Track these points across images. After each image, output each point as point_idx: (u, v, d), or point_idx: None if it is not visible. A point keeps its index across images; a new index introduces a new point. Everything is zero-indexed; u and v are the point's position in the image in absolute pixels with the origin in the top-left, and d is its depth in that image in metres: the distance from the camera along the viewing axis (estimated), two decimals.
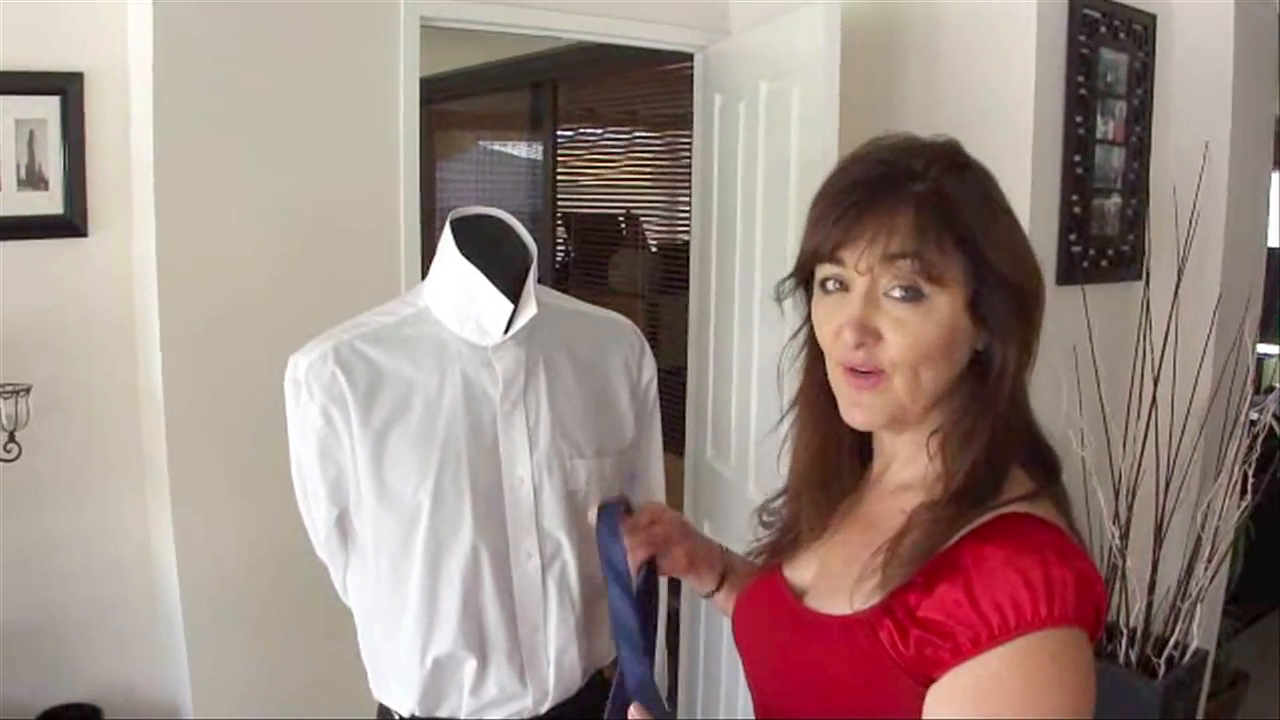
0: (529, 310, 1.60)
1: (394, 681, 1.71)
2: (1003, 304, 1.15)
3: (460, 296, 1.62)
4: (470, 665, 1.65)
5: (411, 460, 1.59)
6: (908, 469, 1.24)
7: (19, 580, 2.75)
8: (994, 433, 1.15)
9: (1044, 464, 1.20)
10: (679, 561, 1.54)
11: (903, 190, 1.15)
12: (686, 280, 3.63)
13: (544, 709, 1.70)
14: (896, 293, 1.14)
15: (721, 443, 3.27)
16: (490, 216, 1.72)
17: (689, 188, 3.60)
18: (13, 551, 2.73)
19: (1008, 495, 1.13)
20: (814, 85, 2.68)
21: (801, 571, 1.31)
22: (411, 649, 1.64)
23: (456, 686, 1.67)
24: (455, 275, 1.62)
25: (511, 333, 1.61)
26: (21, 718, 2.72)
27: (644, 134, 5.80)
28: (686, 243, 3.71)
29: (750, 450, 3.07)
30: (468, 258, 1.61)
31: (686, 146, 3.77)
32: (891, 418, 1.19)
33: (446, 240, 1.64)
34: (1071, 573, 1.04)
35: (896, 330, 1.14)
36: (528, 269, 1.64)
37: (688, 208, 3.66)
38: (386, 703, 1.74)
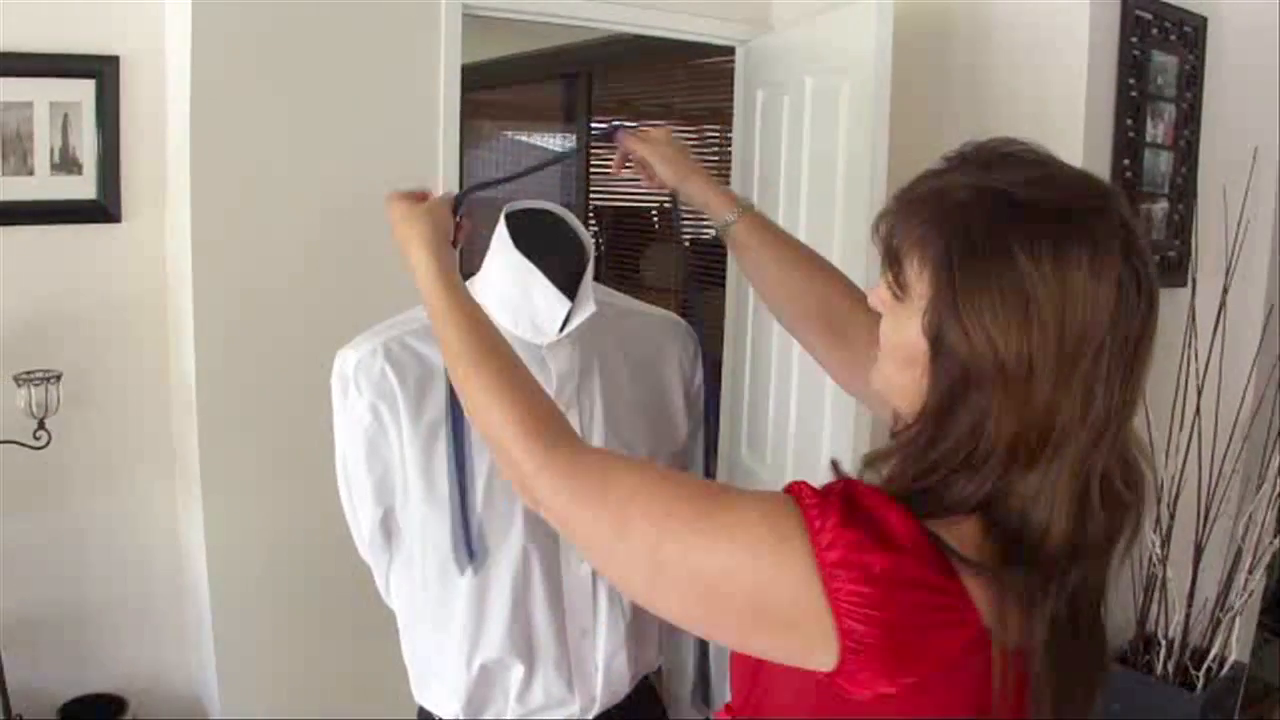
0: (586, 309, 1.55)
1: (437, 685, 1.66)
2: (949, 362, 1.04)
3: (515, 293, 1.57)
4: (518, 671, 1.60)
5: None
6: None
7: (46, 568, 2.73)
8: (932, 472, 1.05)
9: (1010, 547, 1.04)
10: (698, 186, 1.63)
11: (927, 180, 1.10)
12: (720, 275, 3.59)
13: (590, 715, 1.65)
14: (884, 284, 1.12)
15: (758, 441, 3.23)
16: (545, 211, 1.67)
17: (725, 181, 3.55)
18: (41, 540, 2.71)
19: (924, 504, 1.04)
20: (864, 82, 2.64)
21: None
22: (458, 653, 1.60)
23: (502, 692, 1.63)
24: (511, 271, 1.58)
25: (567, 331, 1.56)
26: (47, 706, 2.69)
27: (679, 127, 5.76)
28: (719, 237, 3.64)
29: (788, 449, 3.04)
30: (523, 253, 1.56)
31: (719, 139, 3.72)
32: (886, 390, 1.16)
33: (502, 235, 1.59)
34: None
35: (885, 315, 1.13)
36: (584, 266, 1.60)
37: None
38: (428, 706, 1.70)
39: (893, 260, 1.09)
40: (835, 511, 1.00)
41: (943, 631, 1.00)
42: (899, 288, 1.08)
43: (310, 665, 2.83)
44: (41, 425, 2.56)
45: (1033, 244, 1.00)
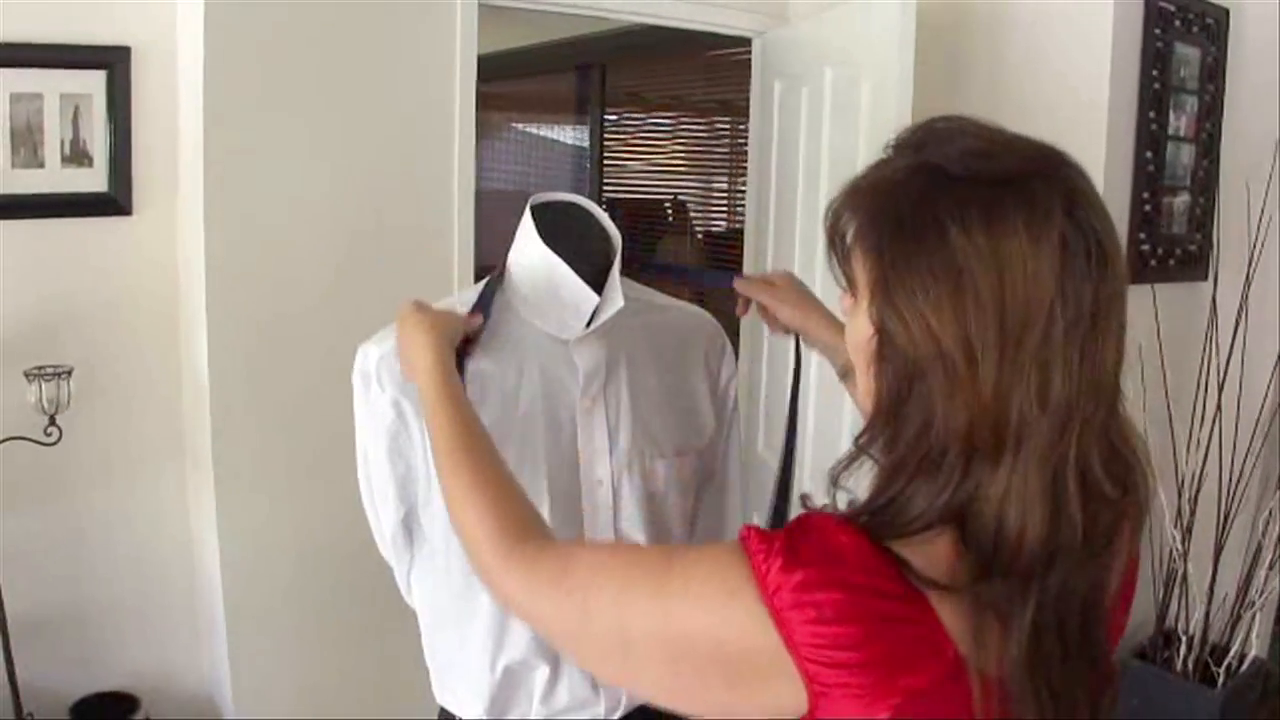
0: (614, 303, 1.52)
1: (460, 687, 1.64)
2: (892, 354, 0.98)
3: (542, 287, 1.55)
4: (542, 672, 1.57)
5: None
6: None
7: (58, 565, 2.71)
8: (892, 478, 0.99)
9: (985, 559, 0.97)
10: (822, 327, 1.60)
11: (872, 170, 1.04)
12: (732, 267, 3.56)
13: (615, 717, 1.62)
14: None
15: (775, 435, 3.20)
16: (571, 203, 1.64)
17: (737, 173, 3.54)
18: (52, 536, 2.69)
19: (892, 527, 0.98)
20: (885, 74, 2.62)
21: None
22: (482, 655, 1.57)
23: (527, 694, 1.60)
24: (537, 264, 1.55)
25: (594, 326, 1.53)
26: (58, 704, 2.67)
27: (693, 119, 5.75)
28: (733, 229, 3.64)
29: (807, 442, 3.01)
30: (549, 246, 1.53)
31: (729, 131, 3.70)
32: (864, 402, 1.08)
33: (527, 227, 1.56)
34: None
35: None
36: (612, 259, 1.57)
37: (730, 194, 3.60)
38: (450, 708, 1.68)
39: (841, 257, 1.04)
40: (780, 553, 0.95)
41: (912, 664, 0.93)
42: (848, 281, 1.04)
43: (325, 663, 2.80)
44: (53, 421, 2.53)
45: (962, 214, 0.93)
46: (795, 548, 0.95)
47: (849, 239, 1.02)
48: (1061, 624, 0.99)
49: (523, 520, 1.19)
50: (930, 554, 0.96)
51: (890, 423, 0.98)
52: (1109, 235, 0.96)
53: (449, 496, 1.26)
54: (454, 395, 1.35)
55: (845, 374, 1.53)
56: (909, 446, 0.96)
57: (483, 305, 1.53)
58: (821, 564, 0.93)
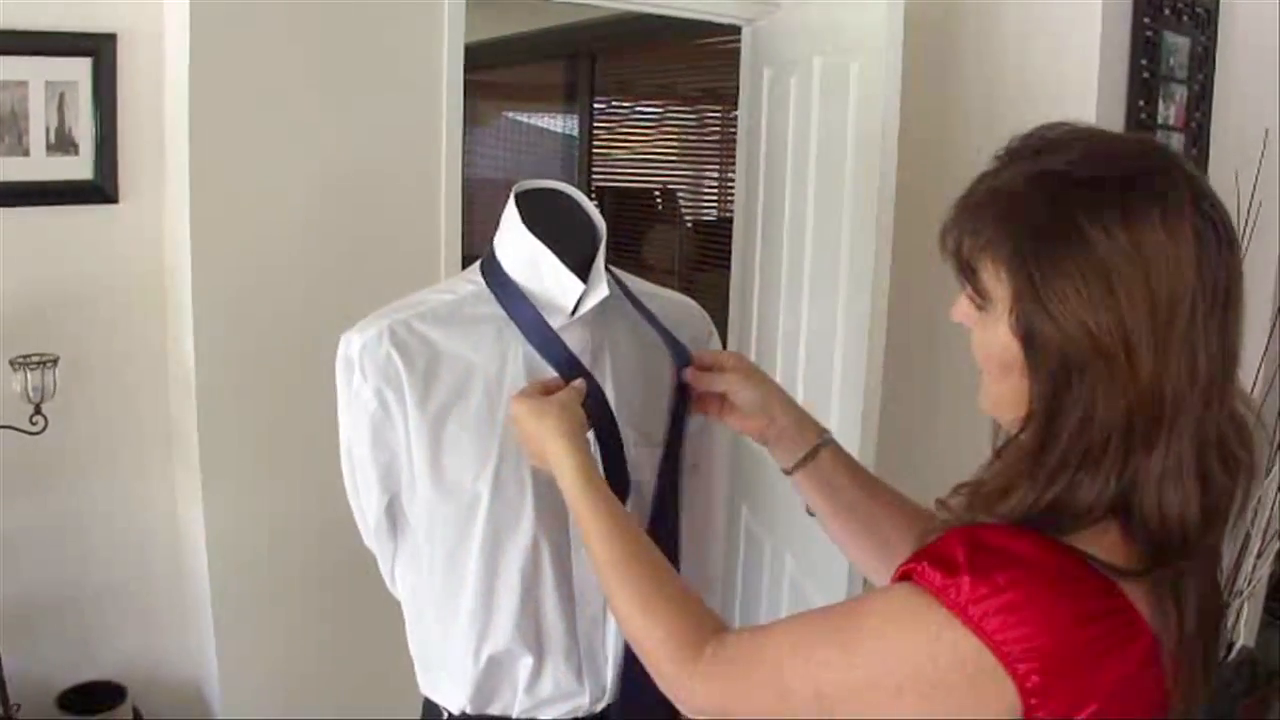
0: (599, 291, 1.51)
1: (444, 677, 1.64)
2: (1045, 356, 1.03)
3: (527, 275, 1.54)
4: (526, 662, 1.57)
5: (470, 448, 1.51)
6: None
7: (44, 555, 2.70)
8: (1053, 477, 1.03)
9: (1155, 542, 1.02)
10: (782, 405, 1.55)
11: (983, 182, 1.09)
12: (721, 256, 3.56)
13: (600, 707, 1.63)
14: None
15: None
16: (555, 190, 1.64)
17: (725, 163, 3.52)
18: (38, 526, 2.68)
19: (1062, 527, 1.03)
20: (875, 62, 2.60)
21: None
22: (465, 645, 1.57)
23: (511, 684, 1.60)
24: (522, 252, 1.54)
25: (579, 315, 1.52)
26: (45, 693, 2.66)
27: (683, 108, 5.74)
28: (722, 218, 3.63)
29: None
30: (534, 234, 1.53)
31: (719, 120, 3.68)
32: (994, 409, 1.15)
33: (511, 215, 1.55)
34: (1007, 576, 0.97)
35: (972, 329, 1.13)
36: (597, 247, 1.56)
37: (719, 182, 3.58)
38: (434, 698, 1.67)
39: (967, 271, 1.09)
40: (965, 571, 0.98)
41: (1117, 653, 0.99)
42: (979, 297, 1.08)
43: (312, 652, 2.80)
44: (38, 410, 2.52)
45: (1100, 214, 0.99)
46: (978, 563, 0.99)
47: (975, 254, 1.07)
48: (1212, 586, 1.08)
49: (697, 623, 1.19)
50: (1106, 545, 1.01)
51: (1049, 422, 1.03)
52: (1229, 220, 1.04)
53: (615, 607, 1.28)
54: (604, 497, 1.35)
55: (807, 460, 1.52)
56: (1070, 442, 1.02)
57: (572, 366, 1.51)
58: (1010, 571, 0.98)
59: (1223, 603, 1.13)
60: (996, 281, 1.06)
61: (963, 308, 1.12)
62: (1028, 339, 1.03)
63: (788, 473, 1.55)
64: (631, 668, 1.53)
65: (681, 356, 1.58)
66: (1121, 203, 0.99)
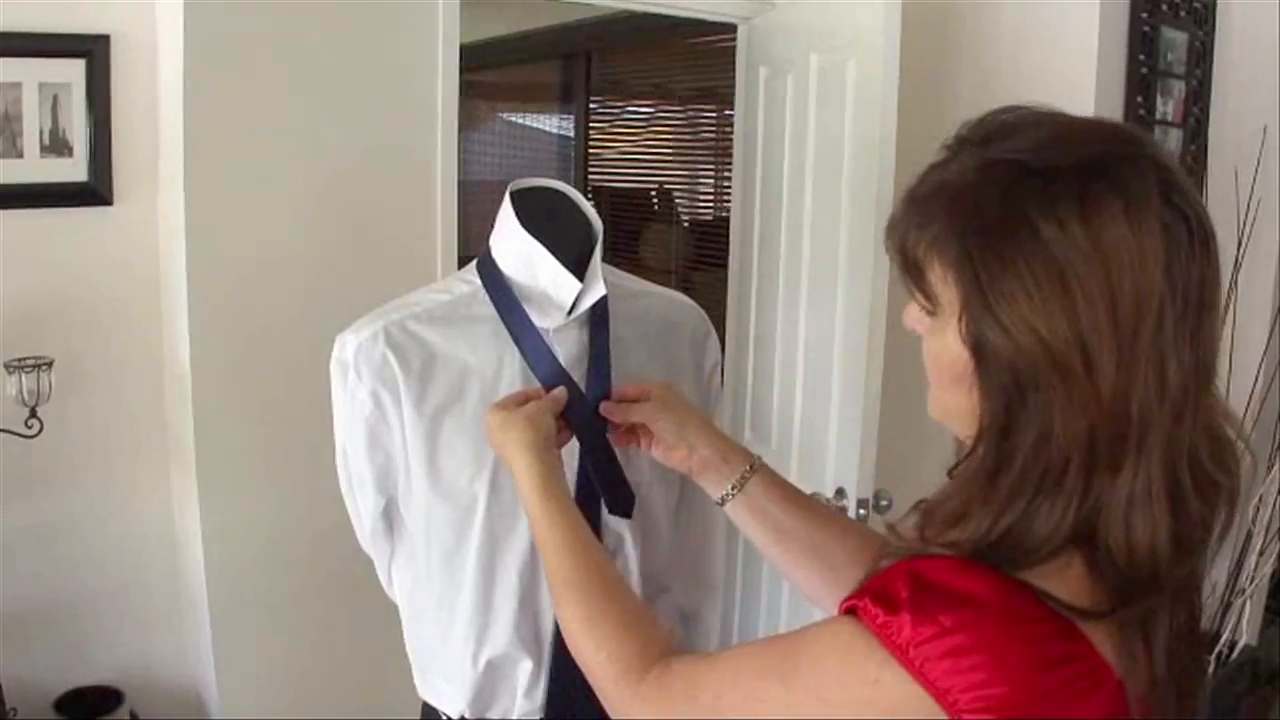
0: (596, 290, 1.51)
1: (442, 681, 1.63)
2: (995, 367, 0.93)
3: (522, 274, 1.53)
4: (525, 666, 1.56)
5: (467, 449, 1.50)
6: None
7: (40, 559, 2.68)
8: (1007, 499, 0.94)
9: (1122, 576, 0.93)
10: (703, 434, 1.46)
11: (931, 173, 0.99)
12: (718, 256, 3.54)
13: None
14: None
15: (761, 424, 3.19)
16: (550, 189, 1.63)
17: (721, 162, 3.51)
18: (33, 530, 2.66)
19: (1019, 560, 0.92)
20: (872, 60, 2.59)
21: None
22: (464, 649, 1.56)
23: (510, 688, 1.59)
24: (517, 251, 1.53)
25: (576, 314, 1.51)
26: (42, 698, 2.65)
27: (680, 108, 5.73)
28: (719, 218, 3.61)
29: (794, 432, 3.00)
30: (530, 232, 1.51)
31: (715, 119, 3.66)
32: (944, 418, 1.06)
33: (507, 213, 1.54)
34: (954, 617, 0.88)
35: (923, 335, 1.03)
36: (592, 246, 1.55)
37: (716, 182, 3.56)
38: (433, 702, 1.66)
39: (914, 272, 0.99)
40: (905, 609, 0.89)
41: (1080, 702, 0.90)
42: (928, 300, 0.98)
43: (310, 656, 2.79)
44: (33, 413, 2.50)
45: (1054, 207, 0.88)
46: (921, 602, 0.89)
47: (921, 252, 0.97)
48: (1189, 622, 0.98)
49: (642, 645, 1.15)
50: (1067, 580, 0.91)
51: (1002, 442, 0.94)
52: (1205, 213, 0.93)
53: (563, 621, 1.24)
54: (561, 510, 1.32)
55: (735, 490, 1.44)
56: (1025, 465, 0.92)
57: (555, 376, 1.49)
58: (957, 612, 0.88)
59: (1202, 637, 1.03)
60: (944, 284, 0.96)
61: (913, 314, 1.03)
62: (977, 349, 0.93)
63: (720, 504, 1.46)
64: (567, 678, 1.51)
65: (600, 388, 1.52)
66: (1079, 194, 0.88)
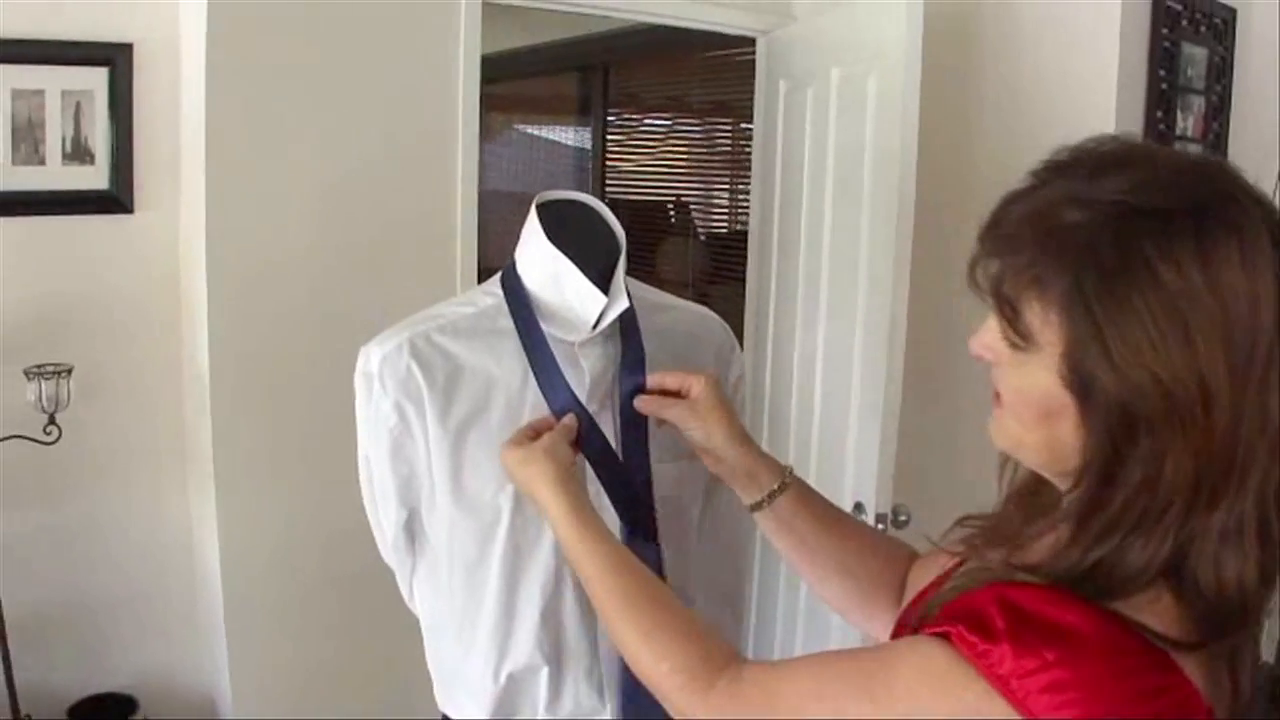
0: (620, 304, 1.49)
1: (463, 694, 1.62)
2: (1104, 409, 0.92)
3: (548, 287, 1.52)
4: (546, 677, 1.55)
5: (491, 462, 1.48)
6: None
7: (56, 566, 2.68)
8: (1109, 532, 0.93)
9: (1209, 607, 0.93)
10: (732, 441, 1.44)
11: (1017, 204, 0.98)
12: (734, 270, 3.53)
13: None
14: (998, 331, 0.99)
15: (779, 440, 3.18)
16: (576, 201, 1.62)
17: (738, 176, 3.50)
18: (51, 536, 2.66)
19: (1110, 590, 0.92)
20: (893, 74, 2.59)
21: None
22: (485, 663, 1.55)
23: (530, 701, 1.57)
24: (542, 265, 1.52)
25: (601, 328, 1.50)
26: (55, 706, 2.65)
27: (699, 121, 5.72)
28: (735, 231, 3.60)
29: (812, 446, 2.99)
30: (555, 245, 1.51)
31: (732, 133, 3.65)
32: (1014, 449, 1.05)
33: (533, 226, 1.54)
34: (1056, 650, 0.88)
35: (1000, 366, 1.01)
36: (616, 258, 1.54)
37: (733, 195, 3.54)
38: (453, 715, 1.65)
39: (1006, 309, 0.97)
40: (1005, 639, 0.89)
41: None
42: (1019, 336, 0.96)
43: (327, 666, 2.77)
44: (52, 420, 2.51)
45: (1171, 249, 0.88)
46: (1020, 634, 0.89)
47: (1019, 288, 0.96)
48: (1254, 648, 0.98)
49: (705, 653, 1.14)
50: (1158, 612, 0.91)
51: (1104, 481, 0.93)
52: None
53: (621, 643, 1.23)
54: (596, 535, 1.31)
55: (764, 504, 1.43)
56: (1126, 504, 0.92)
57: (568, 402, 1.48)
58: (1059, 646, 0.88)
59: (1260, 660, 1.03)
60: (1043, 323, 0.94)
61: (987, 341, 1.01)
62: (1084, 389, 0.92)
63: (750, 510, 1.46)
64: (633, 686, 1.49)
65: (634, 384, 1.51)
66: (1195, 235, 0.88)
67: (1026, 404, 0.99)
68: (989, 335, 1.00)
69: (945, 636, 0.93)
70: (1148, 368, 0.88)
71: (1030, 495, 1.13)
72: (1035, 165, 0.99)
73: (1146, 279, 0.88)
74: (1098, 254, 0.90)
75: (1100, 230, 0.90)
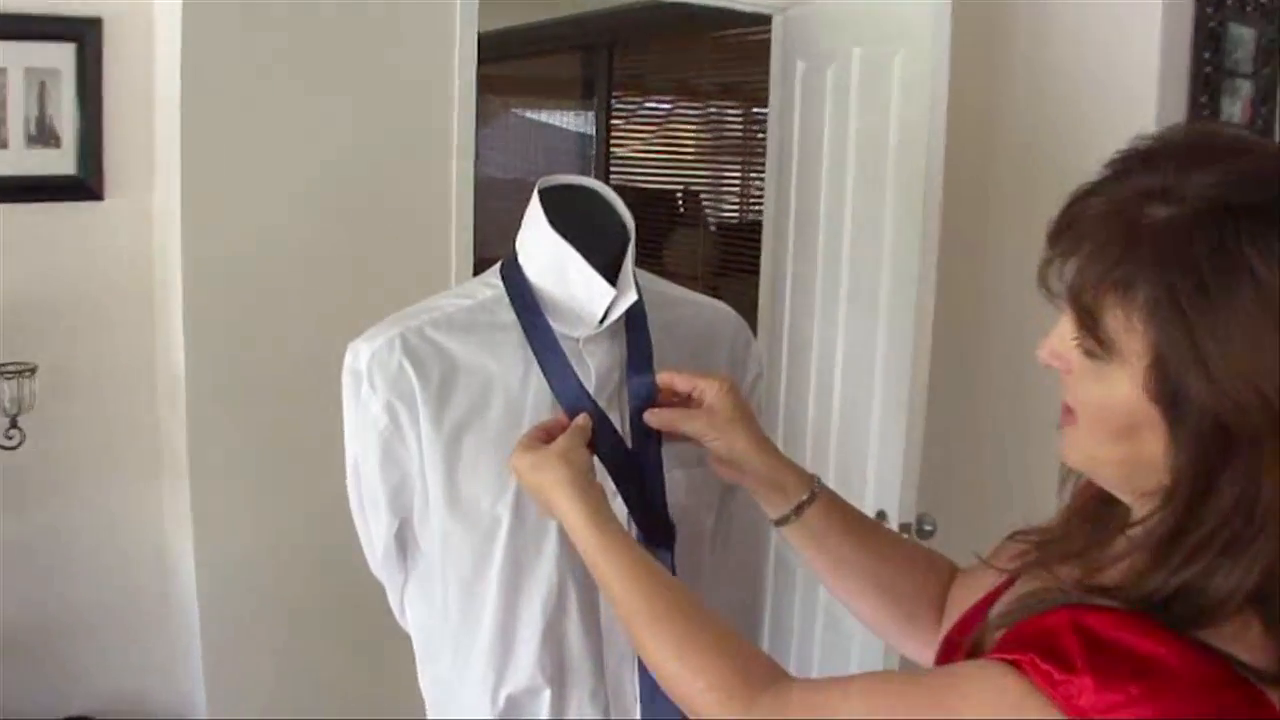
0: (629, 296, 1.43)
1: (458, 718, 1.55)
2: (1197, 423, 0.88)
3: (551, 279, 1.45)
4: (548, 700, 1.48)
5: (490, 467, 1.42)
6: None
7: (21, 579, 2.59)
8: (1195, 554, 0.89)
9: None
10: (753, 450, 1.38)
11: (1093, 201, 0.93)
12: (746, 261, 3.43)
13: None
14: (1072, 338, 0.96)
15: (795, 440, 3.11)
16: (581, 187, 1.55)
17: (750, 162, 3.39)
18: (14, 547, 2.58)
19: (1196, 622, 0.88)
20: (921, 52, 2.53)
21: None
22: (482, 685, 1.48)
23: None
24: (548, 255, 1.45)
25: (609, 322, 1.43)
26: None
27: (709, 105, 5.71)
28: (748, 221, 3.51)
29: (830, 451, 2.94)
30: (559, 233, 1.43)
31: (744, 117, 3.55)
32: (1089, 468, 1.03)
33: (535, 213, 1.46)
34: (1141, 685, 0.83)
35: (1073, 376, 0.98)
36: (624, 248, 1.47)
37: (745, 183, 3.45)
38: None
39: (1084, 316, 0.92)
40: (1085, 672, 0.84)
41: None
42: (1098, 344, 0.92)
43: (309, 685, 2.72)
44: (14, 423, 2.44)
45: (1274, 251, 0.84)
46: (1101, 664, 0.85)
47: (1099, 294, 0.91)
48: None
49: (743, 669, 1.10)
50: (1249, 641, 0.86)
51: (1195, 501, 0.89)
52: None
53: (649, 658, 1.19)
54: (620, 543, 1.26)
55: (792, 518, 1.38)
56: (1218, 526, 0.88)
57: (581, 400, 1.41)
58: (1144, 680, 0.84)
59: None
60: (1127, 329, 0.90)
61: (1058, 348, 0.98)
62: (1173, 402, 0.88)
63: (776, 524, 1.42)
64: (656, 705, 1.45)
65: (643, 387, 1.44)
66: None
67: (1105, 418, 0.95)
68: (1061, 342, 0.98)
69: (1015, 664, 0.89)
70: (1248, 378, 0.85)
71: (1097, 511, 1.09)
72: (1111, 155, 0.95)
73: (1246, 282, 0.84)
74: (1191, 255, 0.86)
75: (1193, 229, 0.86)
